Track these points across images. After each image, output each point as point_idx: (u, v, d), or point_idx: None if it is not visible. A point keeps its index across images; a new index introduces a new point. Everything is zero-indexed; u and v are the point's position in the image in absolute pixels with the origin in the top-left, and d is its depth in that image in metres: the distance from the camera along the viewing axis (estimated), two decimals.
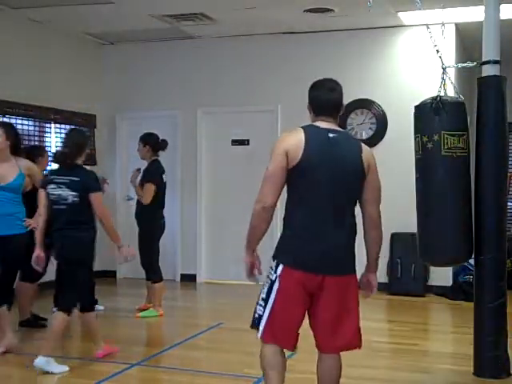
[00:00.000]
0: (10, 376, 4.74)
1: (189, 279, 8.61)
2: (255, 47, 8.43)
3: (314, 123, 3.31)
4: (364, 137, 8.03)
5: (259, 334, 3.27)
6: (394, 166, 7.76)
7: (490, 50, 4.53)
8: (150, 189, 6.38)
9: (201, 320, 6.68)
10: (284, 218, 3.28)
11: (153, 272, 6.55)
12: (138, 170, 6.63)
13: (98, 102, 8.92)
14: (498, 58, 4.53)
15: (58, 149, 5.38)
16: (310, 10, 7.27)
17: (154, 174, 6.47)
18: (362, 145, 3.33)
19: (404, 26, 7.80)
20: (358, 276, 3.39)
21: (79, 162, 4.84)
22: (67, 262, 4.83)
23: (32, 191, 5.93)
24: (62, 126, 8.30)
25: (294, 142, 3.17)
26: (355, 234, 3.27)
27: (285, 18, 7.58)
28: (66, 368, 4.72)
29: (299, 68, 8.24)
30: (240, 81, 8.49)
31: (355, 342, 3.37)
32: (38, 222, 4.96)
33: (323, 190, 3.16)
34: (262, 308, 3.25)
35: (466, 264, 6.99)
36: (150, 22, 7.78)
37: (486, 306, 4.49)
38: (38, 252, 4.86)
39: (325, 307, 3.22)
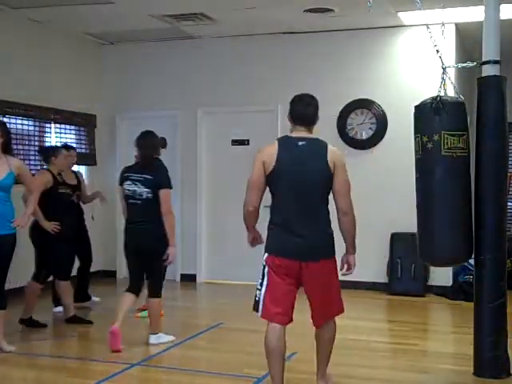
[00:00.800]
0: (9, 376, 4.73)
1: (189, 279, 8.61)
2: (255, 47, 8.43)
3: (289, 133, 4.00)
4: (364, 137, 8.04)
5: (259, 314, 3.88)
6: (394, 165, 7.77)
7: (490, 50, 4.53)
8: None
9: (201, 320, 6.68)
10: (270, 215, 3.94)
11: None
12: None
13: (98, 102, 8.93)
14: (498, 58, 4.53)
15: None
16: (310, 10, 7.27)
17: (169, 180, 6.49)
18: (329, 147, 3.88)
19: (404, 26, 7.80)
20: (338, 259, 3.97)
21: (153, 161, 5.37)
22: (148, 252, 5.27)
23: (45, 192, 5.93)
24: (62, 125, 8.30)
25: (269, 151, 3.86)
26: (328, 225, 3.86)
27: (285, 18, 7.58)
28: (172, 337, 5.50)
29: (299, 68, 8.25)
30: (240, 81, 8.49)
31: (337, 312, 4.05)
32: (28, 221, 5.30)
33: (292, 190, 3.81)
34: (259, 291, 3.89)
35: (466, 264, 6.99)
36: (150, 22, 7.78)
37: (486, 306, 4.49)
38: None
39: (310, 288, 3.89)
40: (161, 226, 5.26)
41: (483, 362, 4.54)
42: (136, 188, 5.29)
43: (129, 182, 5.32)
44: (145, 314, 6.50)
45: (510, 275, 5.84)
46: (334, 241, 3.88)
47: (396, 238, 7.76)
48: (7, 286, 5.20)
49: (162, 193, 5.24)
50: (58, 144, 7.60)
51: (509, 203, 6.29)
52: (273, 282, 3.84)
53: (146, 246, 5.27)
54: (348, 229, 3.91)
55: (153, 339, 5.44)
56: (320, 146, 3.89)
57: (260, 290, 3.88)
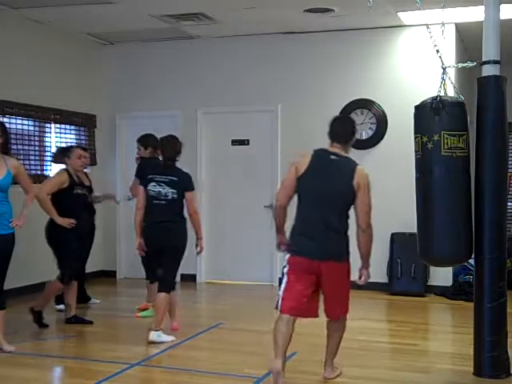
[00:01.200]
0: (9, 376, 4.73)
1: (189, 279, 8.61)
2: (255, 47, 8.43)
3: (326, 147, 4.34)
4: (364, 137, 8.03)
5: (278, 309, 4.24)
6: (394, 166, 7.77)
7: (490, 50, 4.53)
8: (135, 183, 6.42)
9: (201, 320, 6.67)
10: (295, 217, 4.30)
11: (149, 271, 6.55)
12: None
13: (98, 102, 8.93)
14: (498, 58, 4.53)
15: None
16: (310, 10, 7.27)
17: (138, 171, 6.52)
18: (358, 168, 4.23)
19: (404, 25, 7.80)
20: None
21: (176, 163, 5.66)
22: (172, 250, 5.52)
23: (60, 191, 5.90)
24: (62, 125, 8.30)
25: (304, 160, 4.28)
26: (342, 234, 4.22)
27: (285, 17, 7.58)
28: (172, 338, 5.57)
29: (299, 68, 8.25)
30: (240, 81, 8.49)
31: (342, 313, 4.41)
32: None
33: (315, 198, 4.21)
34: (280, 291, 4.27)
35: (466, 264, 6.99)
36: (150, 22, 7.78)
37: (486, 306, 4.49)
38: (139, 240, 5.63)
39: (324, 285, 4.24)
40: (183, 224, 5.58)
41: (483, 361, 4.54)
42: (160, 189, 5.53)
43: (153, 184, 5.56)
44: (145, 313, 6.52)
45: (510, 275, 5.84)
46: (347, 247, 4.25)
47: (396, 238, 7.76)
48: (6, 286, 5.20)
49: (189, 194, 5.58)
50: (64, 145, 7.63)
51: (509, 203, 6.29)
52: (291, 280, 4.21)
53: (169, 243, 5.51)
54: (364, 244, 4.27)
55: (154, 336, 5.47)
56: (349, 165, 4.25)
57: (280, 288, 4.28)
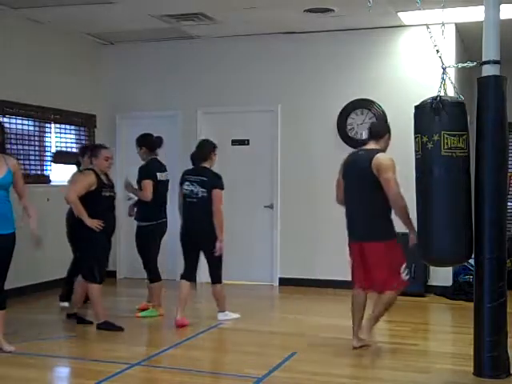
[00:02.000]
0: (9, 376, 4.73)
1: None
2: (255, 47, 8.43)
3: (363, 146, 5.30)
4: (364, 137, 8.02)
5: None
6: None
7: (490, 50, 4.53)
8: (148, 185, 6.40)
9: (201, 320, 6.67)
10: None
11: (149, 271, 6.56)
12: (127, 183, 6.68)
13: (98, 102, 8.93)
14: (498, 58, 4.52)
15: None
16: (310, 10, 7.27)
17: (146, 172, 6.49)
18: (377, 155, 5.01)
19: (404, 25, 7.80)
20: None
21: (207, 165, 6.22)
22: (208, 243, 6.12)
23: (88, 193, 5.82)
24: (62, 125, 8.30)
25: (345, 159, 5.29)
26: (376, 214, 5.04)
27: (285, 17, 7.59)
28: (237, 315, 6.44)
29: (299, 68, 8.25)
30: (240, 81, 8.49)
31: (385, 289, 5.18)
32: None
33: (348, 186, 5.18)
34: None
35: (466, 264, 6.99)
36: (150, 22, 7.78)
37: (486, 306, 4.49)
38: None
39: (367, 263, 5.11)
40: (212, 221, 6.09)
41: (483, 361, 4.54)
42: (193, 188, 6.12)
43: (187, 183, 6.16)
44: (145, 313, 6.53)
45: (510, 275, 5.84)
46: (383, 226, 5.06)
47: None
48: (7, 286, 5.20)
49: (215, 191, 6.11)
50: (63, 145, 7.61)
51: (509, 203, 6.29)
52: (351, 261, 5.25)
53: (202, 238, 6.15)
54: (398, 214, 5.03)
55: (221, 316, 6.34)
56: (371, 154, 5.04)
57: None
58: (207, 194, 6.09)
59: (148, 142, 6.61)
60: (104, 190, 5.97)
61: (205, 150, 6.28)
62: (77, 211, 5.83)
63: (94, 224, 5.80)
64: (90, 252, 5.94)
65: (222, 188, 6.20)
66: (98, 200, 5.89)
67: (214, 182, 6.16)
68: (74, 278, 6.58)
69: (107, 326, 5.90)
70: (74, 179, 6.40)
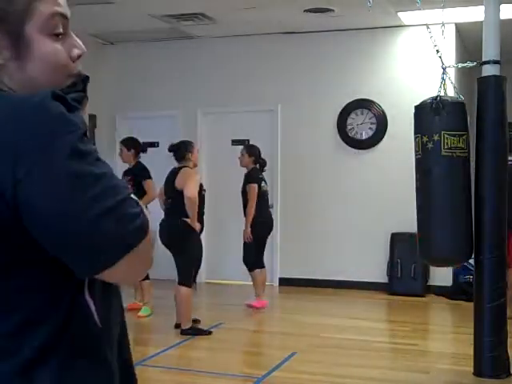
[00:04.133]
0: None
1: None
2: (255, 47, 8.43)
3: None
4: (364, 137, 8.04)
5: None
6: (394, 166, 7.77)
7: (490, 50, 4.53)
8: (151, 185, 6.41)
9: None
10: None
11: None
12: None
13: (98, 102, 8.92)
14: (498, 58, 4.53)
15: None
16: (310, 10, 7.27)
17: (147, 172, 6.50)
18: None
19: (404, 25, 7.80)
20: None
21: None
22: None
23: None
24: None
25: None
26: None
27: (285, 17, 7.58)
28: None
29: (299, 68, 8.25)
30: (240, 81, 8.49)
31: None
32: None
33: None
34: None
35: (466, 264, 6.99)
36: (150, 21, 7.78)
37: (486, 306, 4.49)
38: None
39: None
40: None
41: (483, 361, 4.54)
42: (267, 187, 6.94)
43: (264, 183, 6.77)
44: (144, 311, 6.53)
45: None
46: None
47: (396, 238, 7.76)
48: None
49: (250, 187, 6.66)
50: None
51: None
52: None
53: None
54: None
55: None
56: None
57: None
58: None
59: (139, 145, 6.63)
60: (202, 189, 6.14)
61: (256, 153, 6.81)
62: (192, 211, 5.55)
63: (198, 226, 5.73)
64: (192, 255, 5.83)
65: (255, 182, 6.66)
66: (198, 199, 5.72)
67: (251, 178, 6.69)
68: None
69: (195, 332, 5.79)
70: (183, 176, 5.72)
